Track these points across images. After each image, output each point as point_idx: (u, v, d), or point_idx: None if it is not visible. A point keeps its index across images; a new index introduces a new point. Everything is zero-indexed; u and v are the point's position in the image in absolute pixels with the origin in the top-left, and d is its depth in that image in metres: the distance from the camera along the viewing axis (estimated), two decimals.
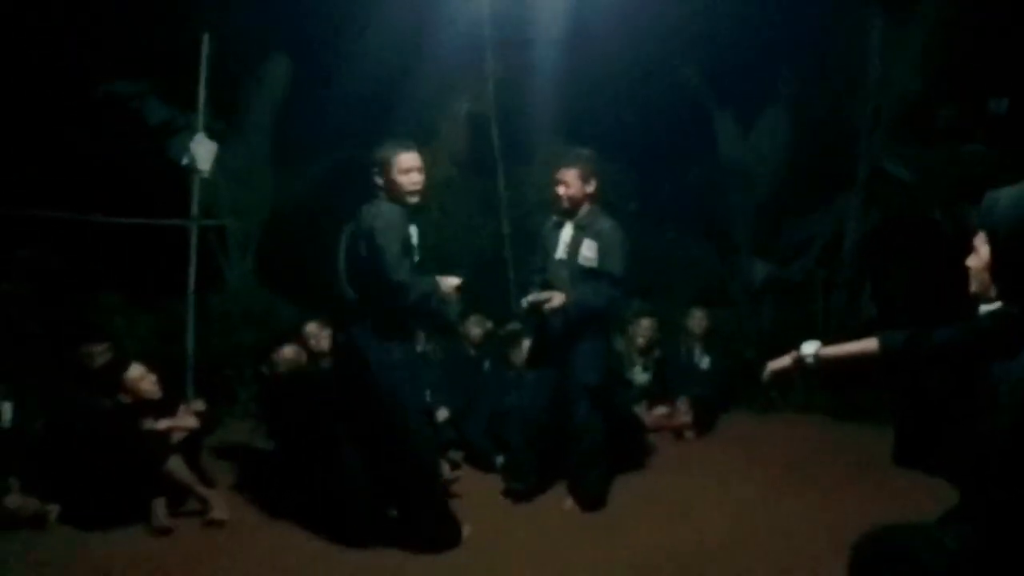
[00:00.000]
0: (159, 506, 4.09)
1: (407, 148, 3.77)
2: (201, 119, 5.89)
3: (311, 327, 5.07)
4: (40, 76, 6.61)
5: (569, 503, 4.30)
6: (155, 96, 6.82)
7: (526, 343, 5.06)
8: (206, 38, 5.81)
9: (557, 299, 4.10)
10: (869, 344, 2.59)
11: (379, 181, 3.75)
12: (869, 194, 6.99)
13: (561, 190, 4.29)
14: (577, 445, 4.26)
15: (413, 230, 3.84)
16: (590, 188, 4.29)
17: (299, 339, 5.06)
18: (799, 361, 2.63)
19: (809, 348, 2.62)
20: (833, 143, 7.17)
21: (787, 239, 7.43)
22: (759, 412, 6.27)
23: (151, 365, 4.60)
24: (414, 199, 3.76)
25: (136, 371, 4.53)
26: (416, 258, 3.81)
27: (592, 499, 4.27)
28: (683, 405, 5.72)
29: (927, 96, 6.94)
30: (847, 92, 7.13)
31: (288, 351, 4.92)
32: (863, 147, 7.01)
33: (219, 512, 4.14)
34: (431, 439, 3.89)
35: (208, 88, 5.89)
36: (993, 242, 1.94)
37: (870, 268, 6.98)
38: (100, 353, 4.76)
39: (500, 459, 4.75)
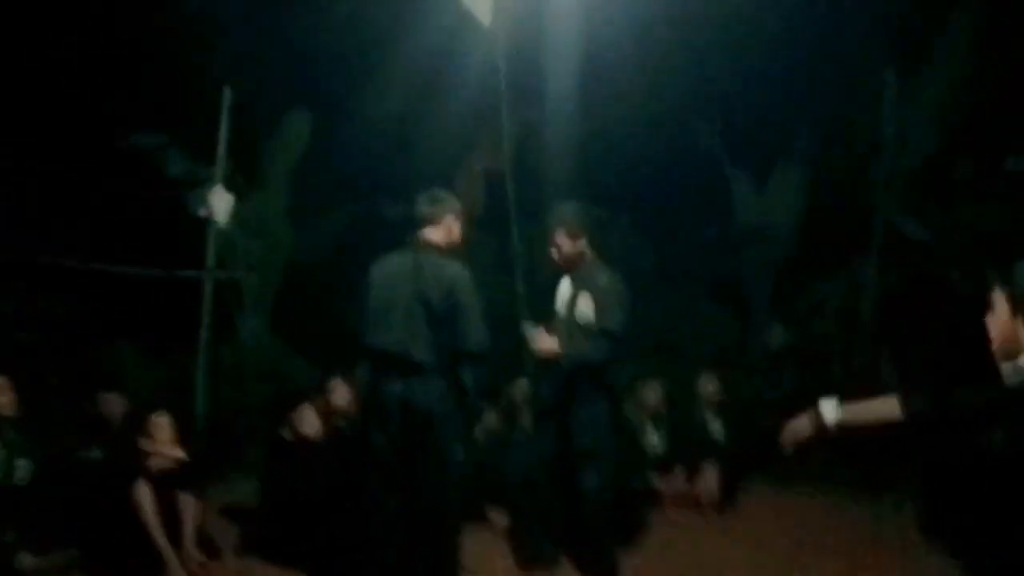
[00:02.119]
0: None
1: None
2: (220, 171, 5.95)
3: (336, 383, 5.02)
4: (63, 126, 6.73)
5: None
6: (175, 148, 6.92)
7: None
8: (227, 91, 5.88)
9: (547, 342, 4.02)
10: (890, 404, 2.51)
11: (450, 233, 3.81)
12: (885, 254, 6.93)
13: (553, 253, 4.26)
14: (585, 514, 4.11)
15: None
16: (581, 244, 4.23)
17: (318, 397, 4.99)
18: (817, 420, 2.55)
19: (828, 407, 2.54)
20: (850, 202, 7.14)
21: (804, 301, 7.36)
22: (776, 483, 6.09)
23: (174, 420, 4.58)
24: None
25: (163, 419, 4.53)
26: None
27: (604, 572, 4.12)
28: (707, 473, 5.56)
29: (944, 154, 6.92)
30: (863, 150, 7.12)
31: (308, 412, 4.83)
32: (879, 206, 6.96)
33: None
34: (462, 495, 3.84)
35: (228, 141, 5.96)
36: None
37: (889, 330, 6.88)
38: (115, 401, 4.76)
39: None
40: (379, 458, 3.72)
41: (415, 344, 3.64)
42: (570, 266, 4.25)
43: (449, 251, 3.81)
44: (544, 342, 4.03)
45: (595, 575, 4.13)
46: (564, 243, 4.19)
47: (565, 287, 4.26)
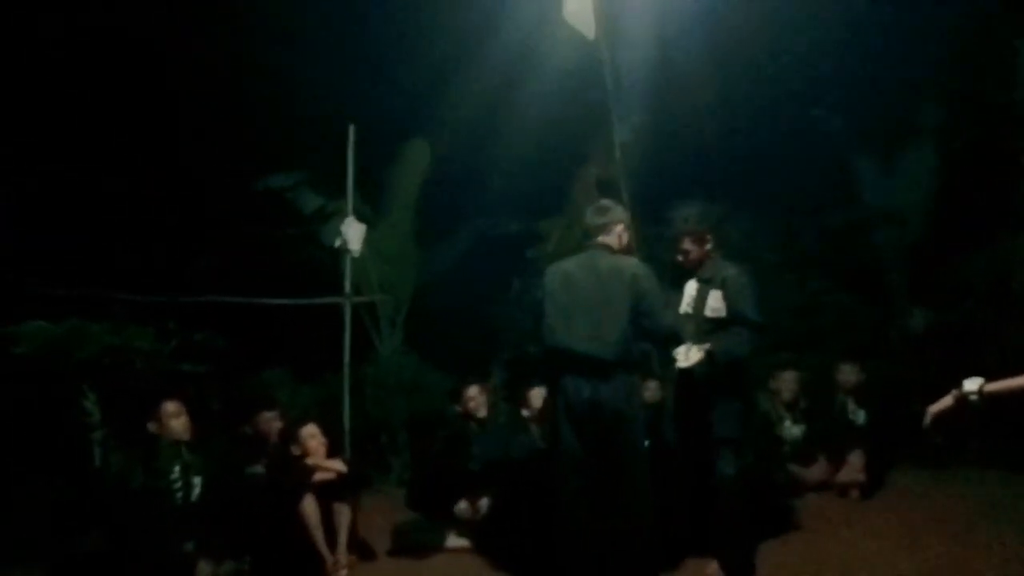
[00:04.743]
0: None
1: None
2: (350, 204, 6.27)
3: (472, 391, 5.24)
4: (209, 175, 7.35)
5: (713, 567, 4.13)
6: (307, 186, 7.39)
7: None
8: (352, 129, 6.21)
9: (695, 354, 3.99)
10: None
11: (620, 240, 4.04)
12: None
13: (680, 258, 4.29)
14: (720, 505, 4.08)
15: None
16: (708, 245, 4.27)
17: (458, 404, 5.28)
18: (962, 399, 2.45)
19: (972, 384, 2.44)
20: (988, 176, 6.75)
21: (946, 281, 6.99)
22: (930, 468, 5.82)
23: (323, 431, 4.88)
24: None
25: (311, 428, 4.85)
26: None
27: (739, 563, 4.07)
28: (852, 461, 5.42)
29: None
30: (1000, 120, 6.73)
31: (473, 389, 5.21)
32: None
33: None
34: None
35: (355, 175, 6.30)
36: None
37: None
38: (272, 419, 5.13)
39: None
40: (570, 457, 3.82)
41: (600, 342, 3.76)
42: (696, 266, 4.28)
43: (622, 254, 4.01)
44: (693, 355, 3.99)
45: (731, 566, 4.09)
46: (692, 248, 4.24)
47: (691, 286, 4.26)
